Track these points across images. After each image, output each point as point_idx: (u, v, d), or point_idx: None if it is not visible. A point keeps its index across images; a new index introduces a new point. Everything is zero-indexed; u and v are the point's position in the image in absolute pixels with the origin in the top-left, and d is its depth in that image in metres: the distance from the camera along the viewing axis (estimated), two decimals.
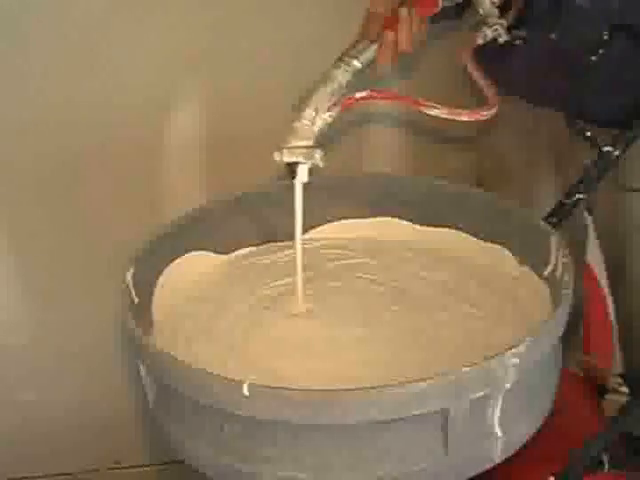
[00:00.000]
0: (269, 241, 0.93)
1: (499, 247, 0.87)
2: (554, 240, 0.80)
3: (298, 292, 0.80)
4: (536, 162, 1.10)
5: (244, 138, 1.03)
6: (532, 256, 0.83)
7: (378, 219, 0.93)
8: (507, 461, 0.72)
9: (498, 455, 0.71)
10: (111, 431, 1.11)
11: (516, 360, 0.66)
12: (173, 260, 0.86)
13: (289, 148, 0.75)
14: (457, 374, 0.64)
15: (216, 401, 0.66)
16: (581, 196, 0.86)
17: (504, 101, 0.75)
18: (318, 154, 0.75)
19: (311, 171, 0.76)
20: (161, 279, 0.84)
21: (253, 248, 0.93)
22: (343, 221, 0.94)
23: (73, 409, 1.09)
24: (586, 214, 0.90)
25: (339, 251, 0.91)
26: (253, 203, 0.93)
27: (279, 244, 0.92)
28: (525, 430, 0.73)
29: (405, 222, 0.93)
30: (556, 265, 0.79)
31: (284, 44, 1.00)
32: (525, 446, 0.73)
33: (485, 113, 0.74)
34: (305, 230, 0.93)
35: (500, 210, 0.87)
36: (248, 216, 0.92)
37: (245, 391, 0.63)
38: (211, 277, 0.89)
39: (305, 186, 0.92)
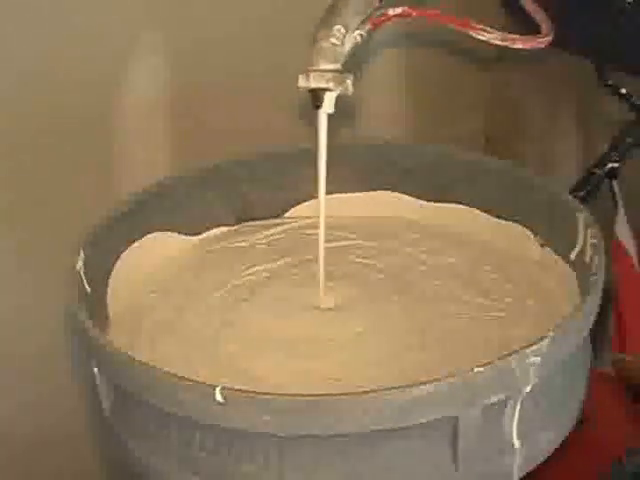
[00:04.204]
0: (246, 220, 0.94)
1: (518, 226, 0.87)
2: (582, 217, 0.80)
3: (320, 276, 0.81)
4: (557, 114, 1.10)
5: (216, 98, 1.03)
6: (556, 237, 0.84)
7: (374, 193, 0.94)
8: (527, 478, 0.72)
9: (516, 471, 0.71)
10: (57, 447, 1.11)
11: (537, 359, 0.66)
12: (131, 243, 0.86)
13: (317, 71, 0.74)
14: (468, 375, 0.64)
15: (184, 409, 0.66)
16: (615, 165, 0.87)
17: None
18: (349, 79, 0.75)
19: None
20: (118, 266, 0.85)
21: (227, 228, 0.93)
22: (332, 196, 0.94)
23: (9, 420, 1.09)
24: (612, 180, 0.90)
25: (328, 232, 0.91)
26: (226, 175, 0.93)
27: (257, 223, 0.93)
28: (548, 441, 0.73)
29: (407, 197, 0.93)
30: (584, 247, 0.79)
31: None
32: (548, 461, 0.74)
33: (541, 40, 0.75)
34: (286, 207, 0.94)
35: (519, 182, 0.87)
36: (221, 190, 0.93)
37: (218, 397, 0.63)
38: (177, 263, 0.89)
39: (286, 155, 0.92)
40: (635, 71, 0.86)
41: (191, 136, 1.05)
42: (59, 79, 0.97)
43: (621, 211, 0.93)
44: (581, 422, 0.76)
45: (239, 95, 1.03)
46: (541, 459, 0.73)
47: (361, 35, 0.75)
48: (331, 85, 0.74)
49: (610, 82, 0.89)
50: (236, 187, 0.93)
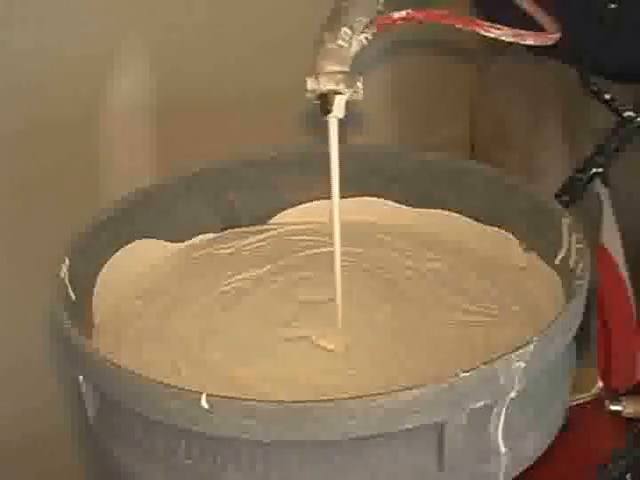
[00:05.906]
0: (231, 227, 0.94)
1: (502, 231, 0.88)
2: (566, 222, 0.81)
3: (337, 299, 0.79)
4: (541, 125, 1.11)
5: (202, 104, 1.03)
6: (541, 241, 0.84)
7: (359, 199, 0.94)
8: None
9: (502, 476, 0.72)
10: (42, 455, 1.11)
11: (522, 364, 0.67)
12: (117, 250, 0.86)
13: (326, 74, 0.71)
14: (453, 381, 0.65)
15: (169, 416, 0.66)
16: (598, 170, 0.87)
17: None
18: (360, 82, 0.71)
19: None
20: (103, 273, 0.85)
21: (212, 235, 0.94)
22: (316, 202, 0.95)
23: None
24: (601, 185, 0.91)
25: (312, 238, 0.92)
26: (212, 182, 0.93)
27: (243, 230, 0.93)
28: (534, 446, 0.74)
29: (392, 203, 0.94)
30: (569, 251, 0.80)
31: None
32: (534, 467, 0.74)
33: (551, 37, 0.75)
34: (271, 214, 0.95)
35: (503, 188, 0.88)
36: (206, 197, 0.93)
37: (204, 403, 0.64)
38: (162, 269, 0.90)
39: (271, 161, 0.93)
40: (617, 77, 0.87)
41: (176, 143, 1.05)
42: (44, 85, 0.98)
43: (608, 214, 0.93)
44: (567, 426, 0.76)
45: (224, 102, 1.03)
46: (527, 464, 0.73)
47: (367, 38, 0.73)
48: (342, 87, 0.71)
49: (595, 88, 0.90)
50: (221, 193, 0.93)
